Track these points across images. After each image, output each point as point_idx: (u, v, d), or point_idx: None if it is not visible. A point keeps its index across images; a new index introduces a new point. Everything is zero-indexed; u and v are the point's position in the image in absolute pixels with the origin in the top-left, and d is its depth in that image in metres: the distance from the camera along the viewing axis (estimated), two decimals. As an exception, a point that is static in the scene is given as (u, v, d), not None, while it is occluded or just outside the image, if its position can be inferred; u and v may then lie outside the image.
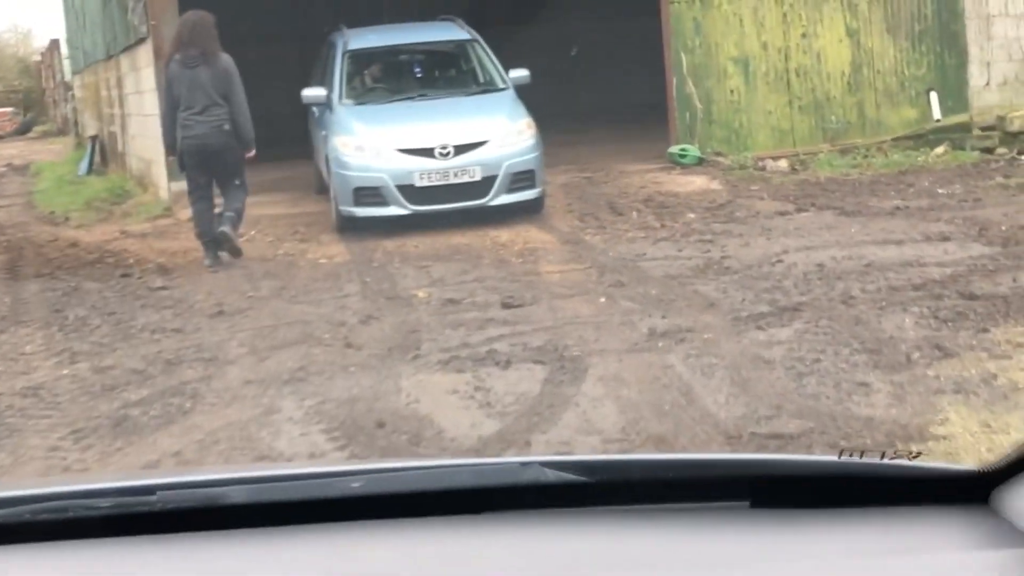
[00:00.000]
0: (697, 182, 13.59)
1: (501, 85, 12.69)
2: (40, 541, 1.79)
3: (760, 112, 14.71)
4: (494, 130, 11.83)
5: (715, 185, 13.41)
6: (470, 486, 1.91)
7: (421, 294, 9.05)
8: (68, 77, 30.01)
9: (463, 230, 11.73)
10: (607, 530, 1.80)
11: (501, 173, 11.57)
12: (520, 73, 12.63)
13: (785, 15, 14.66)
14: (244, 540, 1.80)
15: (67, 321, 8.91)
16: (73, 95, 27.54)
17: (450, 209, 11.56)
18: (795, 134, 14.75)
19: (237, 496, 1.89)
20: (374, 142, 11.64)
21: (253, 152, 10.56)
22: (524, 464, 1.94)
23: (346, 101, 12.49)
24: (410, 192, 11.49)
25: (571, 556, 1.74)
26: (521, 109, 12.20)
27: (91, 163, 21.11)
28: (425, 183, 11.49)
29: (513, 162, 11.68)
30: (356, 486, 1.91)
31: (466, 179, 11.53)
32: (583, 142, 18.68)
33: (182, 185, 12.87)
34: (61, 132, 33.65)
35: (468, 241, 11.25)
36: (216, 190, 10.70)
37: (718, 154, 14.45)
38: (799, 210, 11.77)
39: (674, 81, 14.58)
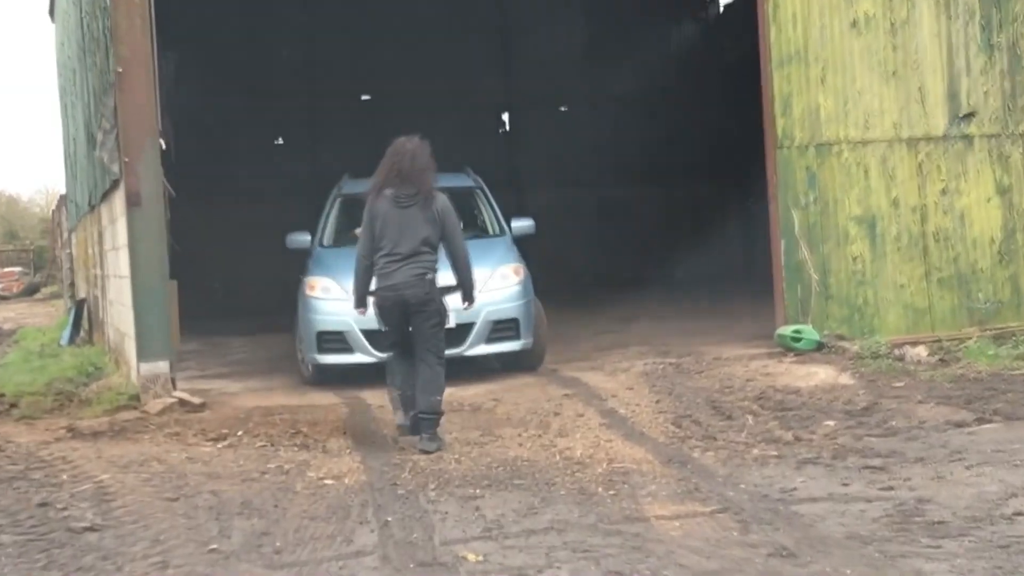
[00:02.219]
0: (820, 374, 10.49)
1: (497, 232, 12.33)
2: None
3: (890, 286, 11.70)
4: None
5: (845, 379, 10.30)
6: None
7: (471, 557, 5.89)
8: (66, 234, 27.34)
9: (520, 435, 8.69)
10: None
11: (479, 321, 10.82)
12: (523, 223, 12.30)
13: (920, 166, 11.76)
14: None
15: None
16: (70, 253, 24.81)
17: None
18: (933, 314, 11.72)
19: None
20: (343, 283, 10.59)
21: (470, 304, 8.91)
22: None
23: (326, 244, 12.11)
24: (376, 338, 10.20)
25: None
26: (512, 255, 11.66)
27: (76, 331, 18.22)
28: None
29: (494, 309, 11.02)
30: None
31: None
32: (659, 316, 15.75)
33: (156, 367, 9.93)
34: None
35: (529, 454, 8.16)
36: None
37: (839, 337, 11.40)
38: (979, 420, 8.65)
39: (782, 245, 11.59)
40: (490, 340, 10.97)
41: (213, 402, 10.61)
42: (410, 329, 8.52)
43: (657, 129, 24.96)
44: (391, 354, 8.82)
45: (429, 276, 8.43)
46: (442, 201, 8.54)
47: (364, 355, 10.84)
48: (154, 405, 10.04)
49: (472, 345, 10.91)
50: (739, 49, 24.23)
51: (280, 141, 25.81)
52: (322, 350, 11.05)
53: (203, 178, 23.11)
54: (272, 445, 8.92)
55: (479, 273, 10.22)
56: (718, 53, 25.19)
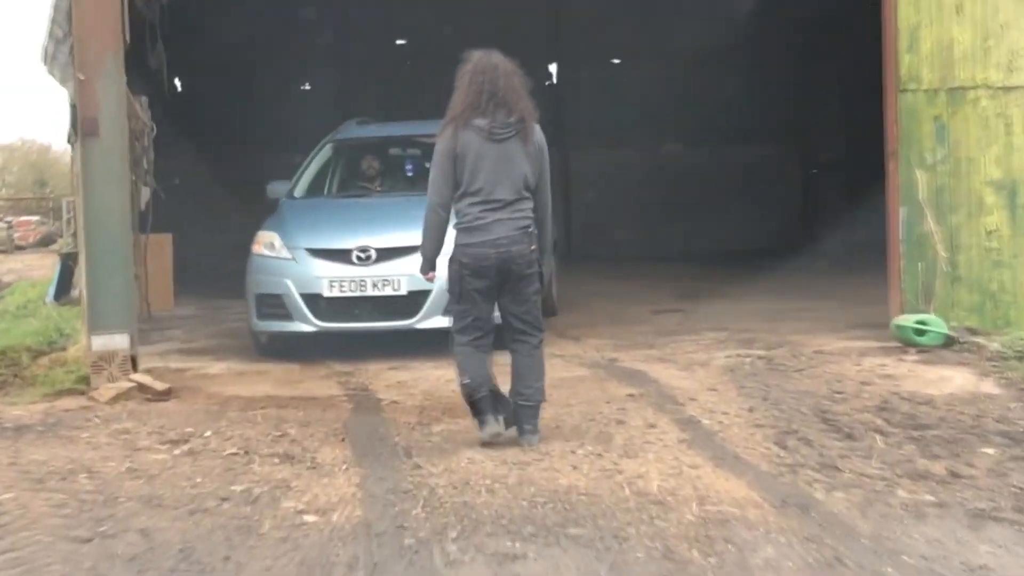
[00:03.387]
0: (956, 379, 8.21)
1: None
2: None
3: (1033, 268, 9.39)
4: None
5: (989, 387, 8.02)
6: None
7: None
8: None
9: (573, 453, 6.52)
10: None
11: (436, 288, 8.87)
12: None
13: (1079, 119, 9.41)
14: None
15: None
16: (72, 201, 22.78)
17: (367, 329, 9.67)
18: (1087, 305, 9.40)
19: None
20: (289, 240, 9.81)
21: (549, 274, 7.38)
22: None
23: (296, 195, 10.95)
24: (318, 304, 9.58)
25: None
26: None
27: (63, 288, 16.13)
28: (336, 293, 9.62)
29: None
30: None
31: (388, 292, 9.59)
32: (725, 293, 13.49)
33: (112, 342, 7.81)
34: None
35: (587, 484, 5.96)
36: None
37: (971, 331, 9.12)
38: None
39: (901, 213, 9.30)
40: (449, 311, 9.11)
41: (184, 387, 8.47)
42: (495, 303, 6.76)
43: (713, 87, 22.90)
44: (466, 343, 6.75)
45: (533, 230, 6.67)
46: (540, 134, 6.79)
47: (302, 323, 9.59)
48: (105, 391, 7.90)
49: (426, 316, 9.50)
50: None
51: (307, 87, 23.79)
52: (261, 315, 9.80)
53: (223, 123, 21.29)
54: (246, 453, 6.76)
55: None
56: (789, 4, 23.03)
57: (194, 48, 19.90)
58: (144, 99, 10.87)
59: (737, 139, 22.77)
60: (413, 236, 9.03)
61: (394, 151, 11.70)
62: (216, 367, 9.47)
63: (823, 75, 22.85)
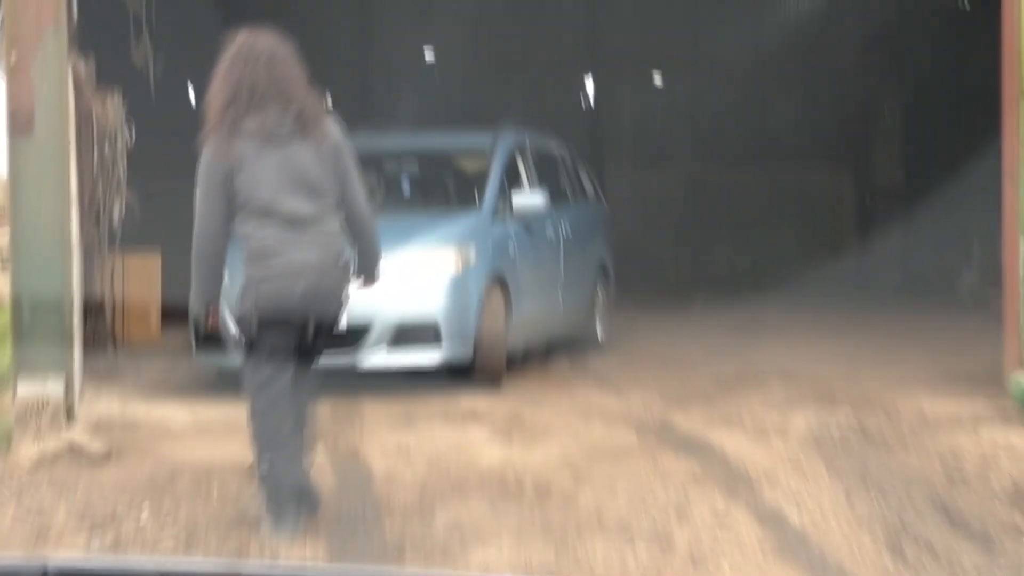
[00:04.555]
0: (1103, 458, 6.48)
1: (473, 206, 9.63)
2: None
3: None
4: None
5: None
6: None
7: None
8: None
9: (622, 559, 4.88)
10: None
11: (377, 321, 8.29)
12: (528, 198, 9.71)
13: None
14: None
15: None
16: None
17: None
18: None
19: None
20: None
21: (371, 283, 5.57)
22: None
23: None
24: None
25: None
26: (459, 234, 9.02)
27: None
28: None
29: (404, 309, 8.49)
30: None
31: None
32: (787, 332, 11.87)
33: (43, 390, 6.23)
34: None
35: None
36: None
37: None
38: None
39: (1021, 244, 7.57)
40: (396, 346, 8.42)
41: (132, 447, 6.80)
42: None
43: (760, 105, 21.78)
44: (264, 408, 5.11)
45: (345, 259, 5.15)
46: (335, 129, 5.26)
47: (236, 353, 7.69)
48: (27, 452, 6.26)
49: (369, 352, 8.37)
50: (867, 14, 20.77)
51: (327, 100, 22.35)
52: (199, 346, 8.69)
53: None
54: (188, 546, 5.12)
55: (394, 258, 7.94)
56: (847, 18, 21.68)
57: (193, 44, 18.40)
58: (116, 96, 9.33)
59: (786, 161, 21.52)
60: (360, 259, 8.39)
61: (392, 165, 10.48)
62: (180, 417, 7.78)
63: (879, 94, 21.51)
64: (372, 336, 8.36)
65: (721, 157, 21.82)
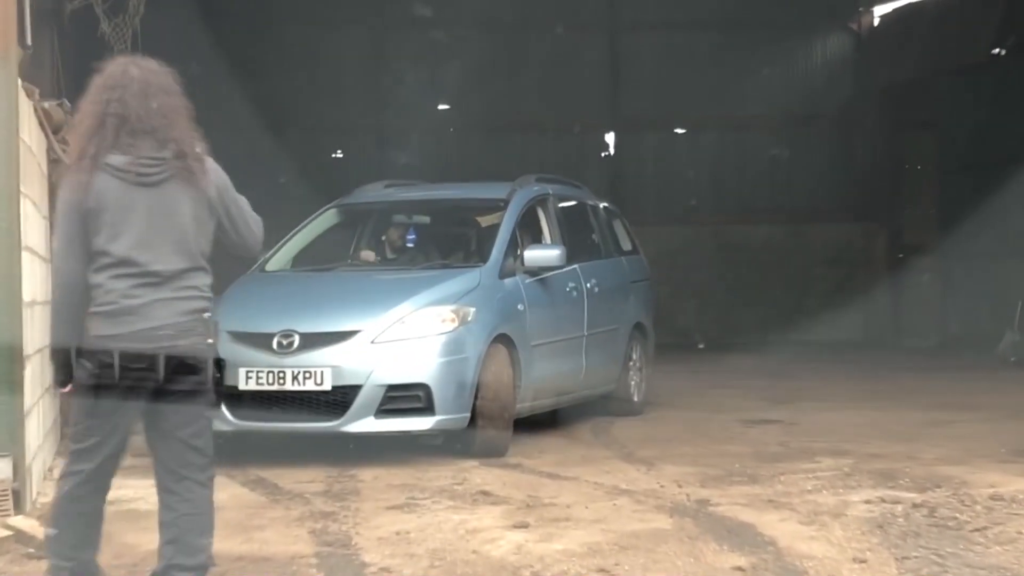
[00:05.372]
0: None
1: (477, 262, 9.17)
2: None
3: None
4: (371, 317, 8.23)
5: None
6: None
7: None
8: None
9: None
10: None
11: (367, 383, 7.87)
12: (541, 253, 9.13)
13: None
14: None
15: None
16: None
17: (287, 430, 8.07)
18: None
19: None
20: (219, 320, 7.16)
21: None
22: None
23: (269, 268, 9.37)
24: (234, 398, 7.86)
25: None
26: (457, 291, 8.50)
27: None
28: (252, 386, 8.00)
29: (393, 370, 7.99)
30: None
31: (310, 386, 7.94)
32: (829, 398, 11.06)
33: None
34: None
35: None
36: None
37: None
38: None
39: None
40: (384, 411, 7.92)
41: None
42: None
43: (790, 159, 21.43)
44: (81, 495, 4.47)
45: (208, 316, 4.44)
46: (219, 173, 4.51)
47: (218, 420, 7.32)
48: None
49: (354, 418, 7.89)
50: (896, 65, 20.11)
51: (339, 154, 21.84)
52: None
53: (246, 191, 19.28)
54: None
55: (375, 310, 8.20)
56: (870, 70, 21.16)
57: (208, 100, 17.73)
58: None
59: (817, 217, 21.06)
60: (342, 318, 8.19)
61: (399, 218, 10.09)
62: (152, 496, 6.90)
63: (913, 150, 20.82)
64: (360, 400, 7.89)
65: (748, 213, 21.23)
